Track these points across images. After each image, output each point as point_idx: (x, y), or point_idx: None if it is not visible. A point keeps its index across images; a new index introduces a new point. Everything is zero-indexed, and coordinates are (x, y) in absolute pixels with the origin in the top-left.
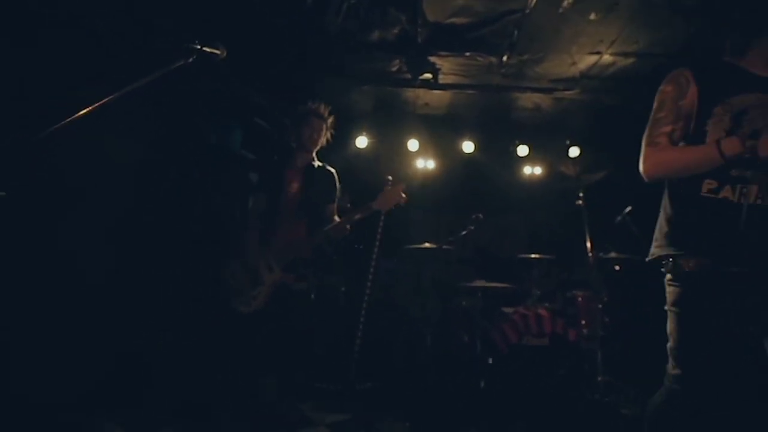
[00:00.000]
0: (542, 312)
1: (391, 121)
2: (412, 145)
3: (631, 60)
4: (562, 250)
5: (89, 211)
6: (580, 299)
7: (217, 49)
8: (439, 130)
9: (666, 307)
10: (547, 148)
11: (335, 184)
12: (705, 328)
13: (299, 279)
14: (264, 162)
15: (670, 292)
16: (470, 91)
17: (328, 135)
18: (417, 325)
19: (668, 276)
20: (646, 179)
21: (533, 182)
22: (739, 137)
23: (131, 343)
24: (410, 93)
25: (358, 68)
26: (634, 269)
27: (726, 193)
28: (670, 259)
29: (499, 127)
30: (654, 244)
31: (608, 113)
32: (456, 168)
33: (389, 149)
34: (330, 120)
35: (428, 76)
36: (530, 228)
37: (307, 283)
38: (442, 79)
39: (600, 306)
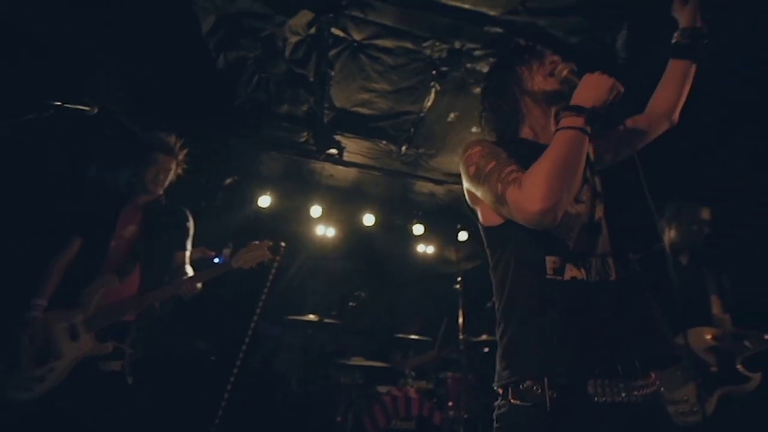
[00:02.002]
0: (412, 394)
1: (296, 187)
2: (315, 211)
3: None
4: (440, 331)
5: None
6: (449, 380)
7: (86, 105)
8: (342, 201)
9: None
10: (440, 229)
11: (188, 227)
12: None
13: (114, 357)
14: (88, 200)
15: (499, 428)
16: (373, 172)
17: (179, 171)
18: (294, 400)
19: (503, 409)
20: (538, 218)
21: (425, 261)
22: (588, 80)
23: None
24: (317, 164)
25: (267, 134)
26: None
27: (572, 271)
28: (514, 386)
29: (398, 205)
30: (499, 365)
31: None
32: (355, 239)
33: (292, 213)
34: (181, 155)
35: (334, 152)
36: (417, 306)
37: (122, 363)
38: (347, 156)
39: (468, 388)
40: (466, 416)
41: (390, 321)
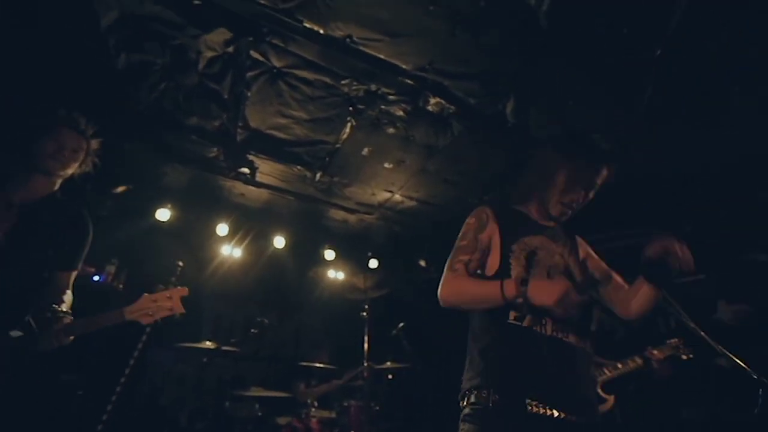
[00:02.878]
0: (314, 424)
1: (202, 202)
2: (221, 229)
3: (414, 203)
4: (345, 358)
5: None
6: (353, 409)
7: None
8: (252, 221)
9: None
10: (351, 256)
11: (86, 240)
12: None
13: None
14: None
15: (465, 428)
16: (286, 195)
17: (89, 164)
18: None
19: (466, 411)
20: (442, 304)
21: (335, 287)
22: (516, 281)
23: None
24: (227, 182)
25: (172, 144)
26: (406, 379)
27: (528, 322)
28: (474, 392)
29: (310, 230)
30: (465, 377)
31: (397, 240)
32: (264, 261)
33: (195, 229)
34: (94, 143)
35: (246, 171)
36: (324, 332)
37: None
38: (260, 177)
39: (370, 415)
40: None
41: (295, 348)
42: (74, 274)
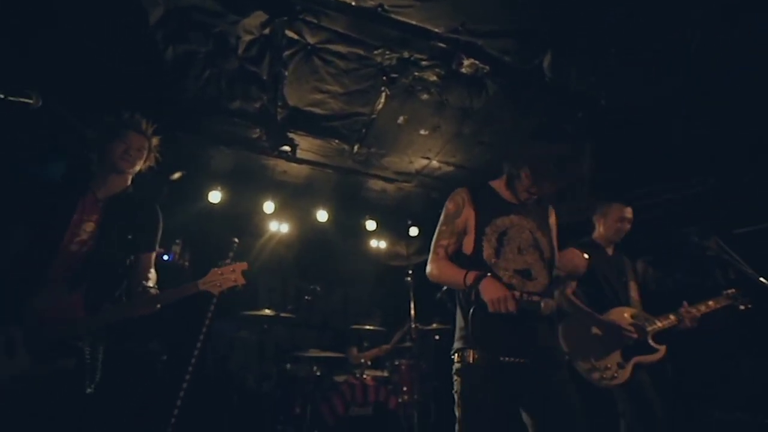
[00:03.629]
0: (368, 381)
1: (248, 182)
2: (268, 207)
3: (451, 168)
4: (394, 321)
5: None
6: (403, 367)
7: (28, 98)
8: (295, 197)
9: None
10: (391, 225)
11: (158, 225)
12: (481, 409)
13: (61, 357)
14: (53, 190)
15: (456, 381)
16: (326, 170)
17: (152, 160)
18: (251, 397)
19: (456, 366)
20: (430, 279)
21: (378, 255)
22: (476, 276)
23: None
24: (270, 160)
25: (218, 129)
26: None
27: None
28: (459, 352)
29: (350, 202)
30: (455, 338)
31: (437, 206)
32: (308, 235)
33: (244, 209)
34: (154, 141)
35: (287, 148)
36: (371, 299)
37: (76, 361)
38: (300, 154)
39: (420, 373)
40: (419, 399)
41: (344, 314)
42: (154, 255)
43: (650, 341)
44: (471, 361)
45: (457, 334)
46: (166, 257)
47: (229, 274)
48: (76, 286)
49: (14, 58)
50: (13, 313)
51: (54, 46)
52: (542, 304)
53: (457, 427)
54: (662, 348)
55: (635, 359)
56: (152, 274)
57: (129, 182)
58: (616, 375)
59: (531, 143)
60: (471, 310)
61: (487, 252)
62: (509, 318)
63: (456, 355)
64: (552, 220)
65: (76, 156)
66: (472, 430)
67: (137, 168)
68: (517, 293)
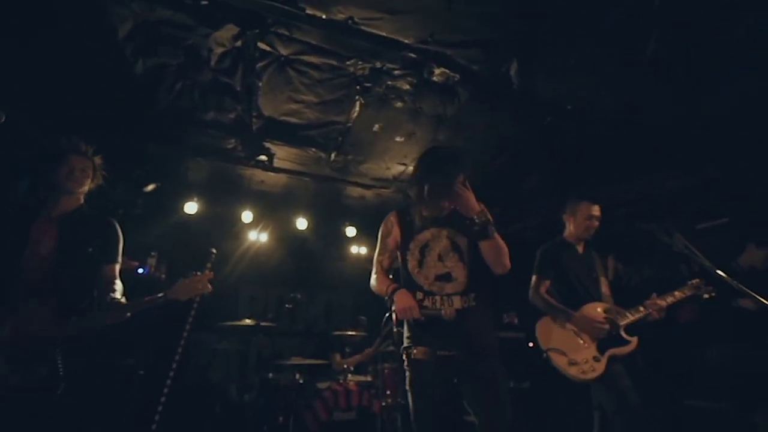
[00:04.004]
0: (352, 386)
1: (226, 193)
2: (246, 216)
3: None
4: (376, 327)
5: None
6: (387, 371)
7: None
8: (274, 206)
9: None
10: (371, 231)
11: (117, 237)
12: (427, 396)
13: (33, 363)
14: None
15: (407, 376)
16: (304, 178)
17: (99, 178)
18: (233, 408)
19: (405, 362)
20: (373, 290)
21: (359, 261)
22: (393, 288)
23: None
24: (246, 170)
25: (193, 141)
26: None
27: (427, 302)
28: (406, 350)
29: (330, 209)
30: (404, 338)
31: None
32: (288, 243)
33: (222, 219)
34: (97, 160)
35: (263, 158)
36: (354, 305)
37: (48, 369)
38: (277, 163)
39: (403, 377)
40: (403, 402)
41: (326, 323)
42: (117, 266)
43: (623, 333)
44: (413, 357)
45: (406, 334)
46: (141, 270)
47: (196, 284)
48: (46, 300)
49: None
50: None
51: (22, 60)
52: (442, 312)
53: (411, 409)
54: (634, 339)
55: (609, 351)
56: (118, 285)
57: (81, 201)
58: (593, 368)
59: (423, 167)
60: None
61: (412, 264)
62: (440, 321)
63: (404, 352)
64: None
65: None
66: (421, 411)
67: (85, 188)
68: (415, 307)
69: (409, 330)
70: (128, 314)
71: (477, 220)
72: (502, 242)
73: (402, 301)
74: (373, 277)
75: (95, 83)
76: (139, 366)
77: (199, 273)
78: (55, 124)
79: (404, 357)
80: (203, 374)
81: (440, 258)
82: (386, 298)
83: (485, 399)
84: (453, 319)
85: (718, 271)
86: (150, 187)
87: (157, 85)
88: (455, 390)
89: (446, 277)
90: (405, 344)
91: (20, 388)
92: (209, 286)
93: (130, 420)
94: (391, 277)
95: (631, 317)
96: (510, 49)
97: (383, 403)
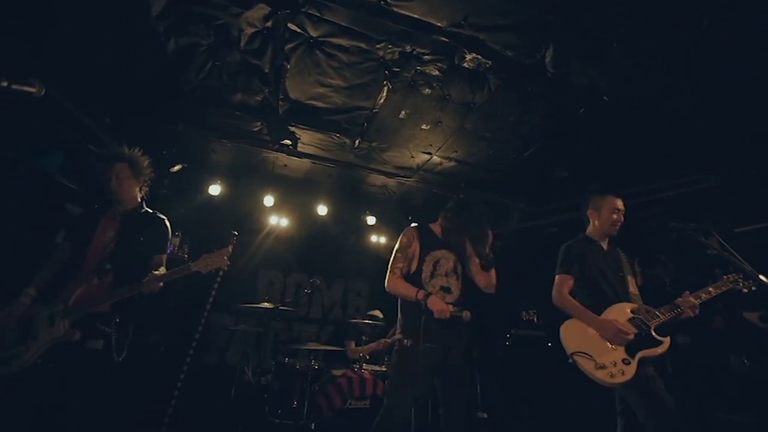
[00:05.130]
0: (366, 375)
1: (249, 176)
2: (268, 201)
3: (453, 163)
4: (393, 318)
5: None
6: None
7: (32, 86)
8: (296, 191)
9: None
10: (391, 220)
11: (166, 233)
12: (410, 376)
13: (92, 336)
14: (84, 209)
15: (394, 357)
16: (326, 164)
17: (147, 177)
18: (249, 390)
19: (395, 349)
20: (387, 290)
21: (378, 250)
22: (425, 293)
23: None
24: (270, 154)
25: (219, 122)
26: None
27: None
28: (399, 339)
29: (351, 196)
30: (396, 331)
31: (437, 201)
32: (308, 229)
33: (244, 202)
34: (143, 162)
35: (288, 142)
36: (370, 293)
37: (103, 342)
38: (301, 147)
39: None
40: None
41: (344, 308)
42: (164, 256)
43: (653, 334)
44: (407, 345)
45: (398, 327)
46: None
47: (216, 258)
48: (103, 276)
49: (14, 49)
50: (54, 296)
51: (57, 39)
52: (464, 315)
53: (388, 388)
54: (666, 340)
55: (640, 353)
56: (162, 269)
57: (139, 200)
58: (623, 371)
59: (467, 216)
60: (422, 316)
61: (425, 274)
62: (439, 321)
63: (398, 342)
64: (470, 251)
65: (74, 148)
66: (397, 388)
67: (134, 190)
68: (452, 308)
69: (406, 324)
70: (161, 283)
71: (487, 260)
72: (494, 273)
73: (438, 304)
74: (392, 281)
75: (128, 61)
76: (161, 343)
77: (218, 250)
78: (88, 102)
79: (398, 345)
80: (221, 355)
81: (446, 274)
82: (415, 300)
83: (453, 392)
84: (448, 321)
85: (761, 277)
86: (176, 168)
87: (188, 64)
88: (433, 376)
89: (447, 290)
90: (399, 336)
91: (78, 347)
92: (227, 261)
93: (151, 394)
94: None
95: (662, 317)
96: (547, 34)
97: None
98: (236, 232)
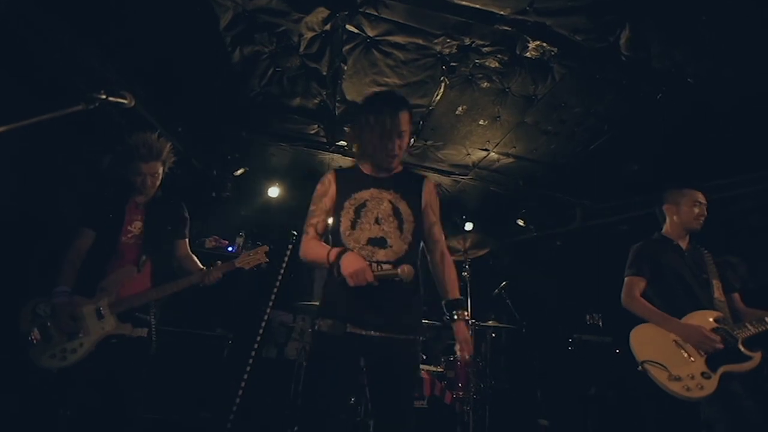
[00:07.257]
0: (424, 375)
1: (306, 178)
2: None
3: (511, 159)
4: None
5: None
6: (459, 363)
7: (124, 98)
8: None
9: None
10: (445, 220)
11: (184, 217)
12: (329, 374)
13: (137, 325)
14: (98, 194)
15: (310, 348)
16: None
17: (170, 164)
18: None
19: (311, 331)
20: (300, 258)
21: None
22: (338, 252)
23: None
24: (326, 156)
25: (277, 126)
26: (509, 337)
27: None
28: (316, 320)
29: None
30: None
31: (494, 199)
32: None
33: (302, 203)
34: (165, 152)
35: (343, 143)
36: (426, 293)
37: (148, 330)
38: None
39: (475, 370)
40: (475, 397)
41: None
42: (187, 241)
43: (741, 348)
44: (318, 328)
45: (319, 305)
46: (230, 248)
47: (256, 255)
48: (142, 267)
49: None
50: (90, 288)
51: (137, 56)
52: (399, 270)
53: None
54: (757, 355)
55: (723, 368)
56: (192, 256)
57: (157, 185)
58: (701, 386)
59: (366, 108)
60: (339, 287)
61: (344, 225)
62: (365, 291)
63: (314, 322)
64: (426, 191)
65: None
66: (312, 393)
67: (158, 184)
68: (377, 268)
69: (323, 297)
70: (220, 275)
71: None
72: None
73: (352, 264)
74: (303, 244)
75: (199, 74)
76: (227, 337)
77: (257, 247)
78: (156, 109)
79: (314, 327)
80: (281, 350)
81: (377, 221)
82: (328, 264)
83: (388, 389)
84: (376, 289)
85: None
86: (239, 171)
87: (252, 72)
88: (357, 371)
89: (380, 242)
90: (317, 314)
91: (125, 338)
92: (265, 257)
93: (218, 384)
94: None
95: (752, 329)
96: (623, 13)
97: (455, 395)
98: (295, 232)
